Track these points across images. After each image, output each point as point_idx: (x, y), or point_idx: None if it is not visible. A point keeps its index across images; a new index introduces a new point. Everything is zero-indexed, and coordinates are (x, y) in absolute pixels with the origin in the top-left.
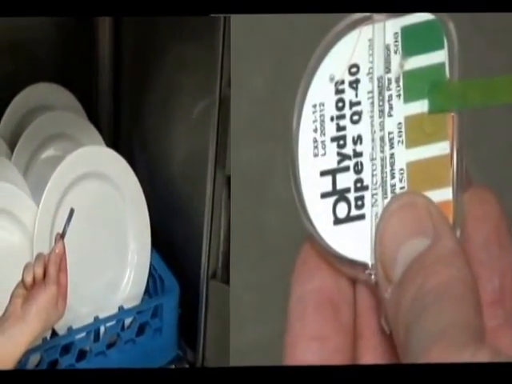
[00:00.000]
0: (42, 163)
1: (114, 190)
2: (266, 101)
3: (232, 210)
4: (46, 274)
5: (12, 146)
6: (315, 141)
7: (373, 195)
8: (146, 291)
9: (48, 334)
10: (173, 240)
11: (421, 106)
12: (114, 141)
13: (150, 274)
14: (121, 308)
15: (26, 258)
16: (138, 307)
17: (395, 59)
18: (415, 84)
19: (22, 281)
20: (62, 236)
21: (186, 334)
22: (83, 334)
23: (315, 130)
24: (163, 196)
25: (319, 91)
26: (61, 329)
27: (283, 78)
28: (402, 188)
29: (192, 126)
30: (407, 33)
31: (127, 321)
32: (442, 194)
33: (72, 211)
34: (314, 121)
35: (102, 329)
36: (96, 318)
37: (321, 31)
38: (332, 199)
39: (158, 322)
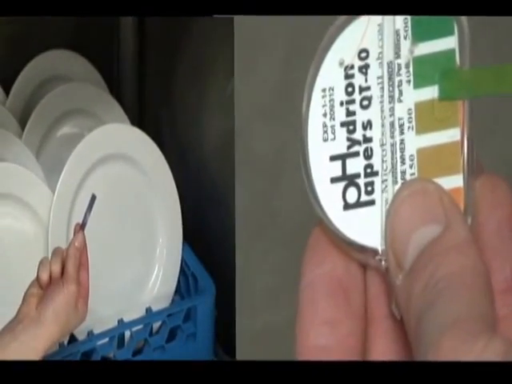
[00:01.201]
0: (57, 142)
1: (140, 174)
2: (276, 85)
3: (244, 195)
4: (64, 271)
5: (23, 122)
6: (325, 125)
7: (383, 181)
8: (178, 291)
9: (65, 340)
10: (208, 232)
11: (431, 92)
12: (139, 119)
13: (182, 272)
14: (148, 310)
15: (40, 251)
16: (168, 309)
17: (405, 45)
18: (425, 70)
19: (37, 279)
20: (82, 227)
21: (224, 339)
22: (106, 340)
23: (324, 115)
24: (196, 182)
25: (329, 76)
26: (80, 333)
27: (293, 62)
28: (412, 174)
29: (229, 103)
30: (417, 18)
31: (156, 325)
32: (453, 181)
33: (93, 198)
34: (324, 105)
35: (128, 334)
36: (120, 322)
37: (331, 16)
38: (342, 184)
39: (191, 327)
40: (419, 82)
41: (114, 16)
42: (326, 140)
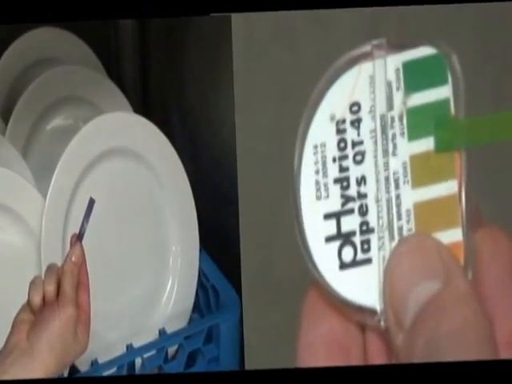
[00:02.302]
0: (47, 137)
1: (147, 172)
2: (271, 136)
3: (242, 244)
4: (59, 292)
5: (6, 113)
6: (317, 183)
7: (379, 238)
8: (196, 308)
9: (65, 371)
10: (229, 239)
11: (426, 144)
12: (143, 109)
13: (200, 285)
14: (162, 332)
15: (31, 268)
16: (185, 330)
17: (398, 96)
18: (420, 121)
19: (28, 302)
20: (79, 237)
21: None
22: (113, 370)
23: (317, 172)
24: (214, 181)
25: (320, 131)
26: (82, 363)
27: (286, 114)
28: (409, 230)
29: None
30: (409, 68)
31: (172, 349)
32: (452, 235)
33: (92, 202)
34: (316, 162)
35: (139, 361)
36: (129, 347)
37: (323, 65)
38: (337, 243)
39: (213, 349)
40: (414, 133)
41: (108, 19)
42: (319, 198)
